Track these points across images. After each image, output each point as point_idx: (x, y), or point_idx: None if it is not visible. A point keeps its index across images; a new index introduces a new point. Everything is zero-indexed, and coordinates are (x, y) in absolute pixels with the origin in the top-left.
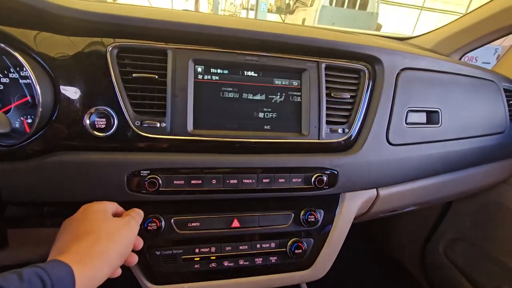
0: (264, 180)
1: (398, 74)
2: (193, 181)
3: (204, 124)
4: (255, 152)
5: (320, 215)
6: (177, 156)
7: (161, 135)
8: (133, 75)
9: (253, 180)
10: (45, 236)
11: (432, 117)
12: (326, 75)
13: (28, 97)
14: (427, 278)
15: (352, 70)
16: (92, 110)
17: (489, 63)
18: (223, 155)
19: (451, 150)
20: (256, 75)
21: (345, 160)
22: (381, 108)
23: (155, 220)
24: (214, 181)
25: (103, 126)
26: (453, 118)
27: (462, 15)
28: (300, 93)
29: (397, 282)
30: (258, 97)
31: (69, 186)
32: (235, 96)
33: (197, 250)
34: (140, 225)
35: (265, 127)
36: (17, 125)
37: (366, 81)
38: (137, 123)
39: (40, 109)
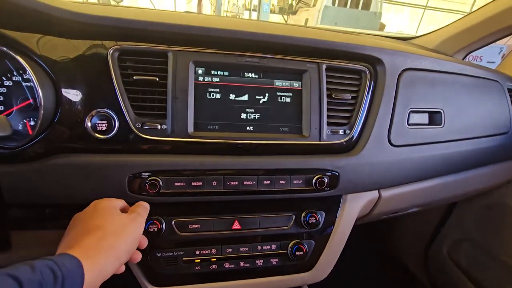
0: (265, 182)
1: (400, 75)
2: (193, 183)
3: (205, 126)
4: (255, 153)
5: (321, 216)
6: (177, 158)
7: (162, 137)
8: (134, 77)
9: (254, 182)
10: (48, 238)
11: (434, 118)
12: (327, 76)
13: (31, 100)
14: (431, 280)
15: (353, 71)
16: (94, 112)
17: (494, 62)
18: (223, 156)
19: (454, 151)
20: (256, 76)
21: (347, 162)
22: (382, 109)
23: (156, 222)
24: (214, 183)
25: (104, 128)
26: (456, 119)
27: (466, 14)
28: (300, 95)
29: (400, 283)
30: (258, 98)
31: (71, 188)
32: (235, 98)
33: (197, 252)
34: None
35: (265, 128)
36: (20, 128)
37: (368, 82)
38: (138, 125)
39: (42, 111)
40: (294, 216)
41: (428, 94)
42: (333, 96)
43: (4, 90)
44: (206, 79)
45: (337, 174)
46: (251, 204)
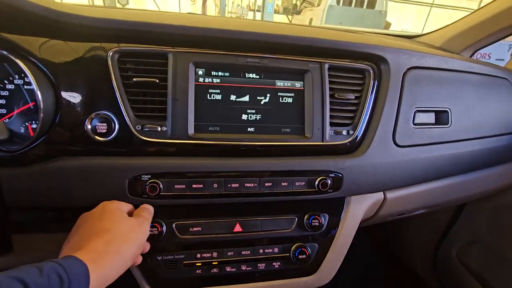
0: (267, 184)
1: (404, 73)
2: (194, 185)
3: (205, 128)
4: (257, 155)
5: (324, 219)
6: (178, 160)
7: (162, 139)
8: (134, 79)
9: (255, 184)
10: (50, 241)
11: (441, 117)
12: (330, 75)
13: (31, 104)
14: (440, 284)
15: (356, 70)
16: (93, 115)
17: (503, 59)
18: (224, 158)
19: (462, 151)
20: (257, 77)
21: (350, 163)
22: (387, 109)
23: (156, 225)
24: (215, 185)
25: (104, 131)
26: (464, 118)
27: (473, 10)
28: (303, 95)
29: None
30: (259, 99)
31: (71, 190)
32: (236, 99)
33: (198, 255)
34: None
35: (267, 129)
36: (21, 131)
37: (371, 81)
38: (138, 127)
39: (42, 114)
40: (296, 219)
41: (434, 93)
42: (336, 96)
43: (6, 93)
44: (206, 80)
45: (340, 175)
46: (253, 207)
